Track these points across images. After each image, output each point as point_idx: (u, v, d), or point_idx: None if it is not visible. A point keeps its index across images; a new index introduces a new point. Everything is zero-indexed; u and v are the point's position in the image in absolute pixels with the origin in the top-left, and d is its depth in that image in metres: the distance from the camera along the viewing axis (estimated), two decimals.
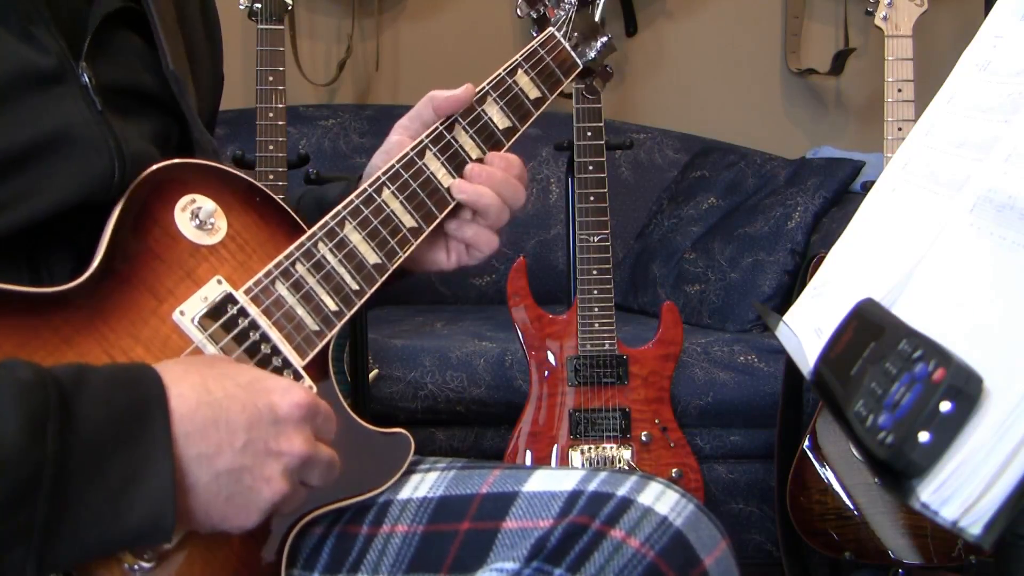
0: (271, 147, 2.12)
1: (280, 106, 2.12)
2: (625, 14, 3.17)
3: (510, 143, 1.03)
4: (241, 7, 2.12)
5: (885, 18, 2.02)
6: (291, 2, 2.15)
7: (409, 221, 0.96)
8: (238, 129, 2.52)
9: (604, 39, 1.11)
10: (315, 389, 0.86)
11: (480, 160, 1.01)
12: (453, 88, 1.01)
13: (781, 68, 3.29)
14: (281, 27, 2.15)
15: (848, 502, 1.96)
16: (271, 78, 2.12)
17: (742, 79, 3.28)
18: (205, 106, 1.00)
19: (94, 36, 0.85)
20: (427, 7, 3.19)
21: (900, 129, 2.00)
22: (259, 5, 2.12)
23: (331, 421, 0.80)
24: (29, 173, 0.79)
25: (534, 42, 1.08)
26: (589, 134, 2.05)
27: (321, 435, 0.79)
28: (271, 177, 2.11)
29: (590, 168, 2.05)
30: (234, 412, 0.73)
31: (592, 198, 2.05)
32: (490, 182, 0.99)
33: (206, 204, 0.85)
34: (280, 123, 2.12)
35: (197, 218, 0.85)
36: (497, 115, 1.02)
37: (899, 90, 2.01)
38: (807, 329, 0.96)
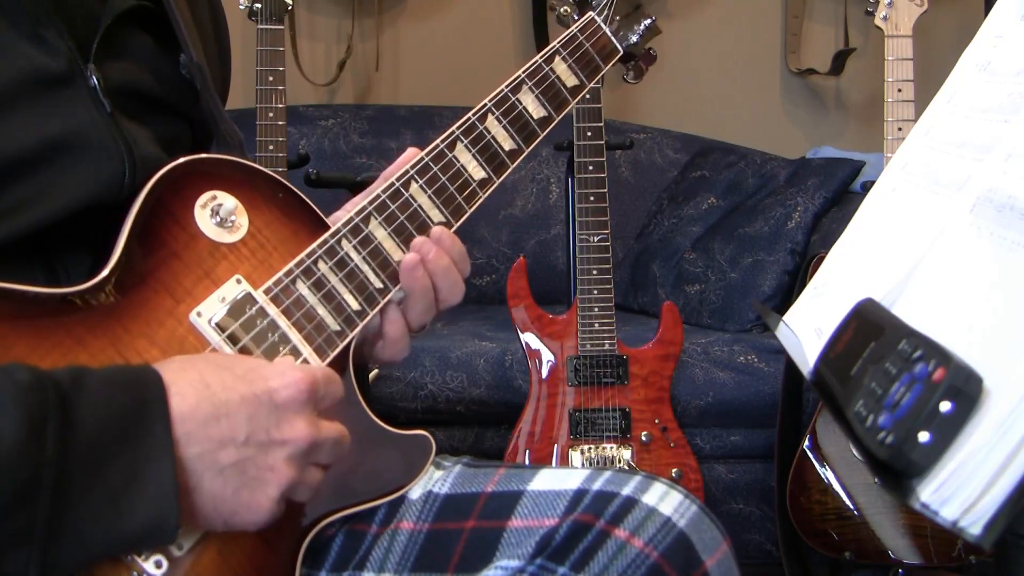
0: (271, 147, 2.12)
1: (280, 106, 2.12)
2: None
3: (544, 133, 1.00)
4: (241, 7, 2.12)
5: (885, 18, 2.02)
6: (291, 2, 2.15)
7: (437, 216, 0.93)
8: (238, 129, 2.52)
9: (647, 21, 1.07)
10: None
11: (514, 151, 0.97)
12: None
13: (781, 68, 3.29)
14: (281, 27, 2.15)
15: (848, 502, 1.96)
16: (271, 78, 2.13)
17: (742, 79, 3.28)
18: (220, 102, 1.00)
19: (103, 37, 0.84)
20: (427, 7, 3.19)
21: (900, 129, 2.00)
22: (259, 5, 2.13)
23: (334, 384, 0.78)
24: (39, 176, 0.78)
25: (573, 27, 1.04)
26: (589, 134, 2.05)
27: (326, 404, 0.77)
28: None
29: (590, 168, 2.05)
30: (233, 405, 0.72)
31: (592, 198, 2.05)
32: (434, 265, 0.90)
33: (227, 201, 0.83)
34: (280, 123, 2.12)
35: (217, 215, 0.82)
36: (532, 104, 0.99)
37: (899, 90, 2.01)
38: (807, 329, 0.96)
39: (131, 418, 0.68)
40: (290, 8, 2.16)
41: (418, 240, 0.92)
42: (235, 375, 0.74)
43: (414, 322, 0.92)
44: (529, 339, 2.07)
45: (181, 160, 0.82)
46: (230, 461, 0.72)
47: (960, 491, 0.60)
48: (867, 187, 2.03)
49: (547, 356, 2.06)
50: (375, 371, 2.21)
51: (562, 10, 1.13)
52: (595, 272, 2.04)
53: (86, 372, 0.69)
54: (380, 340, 0.93)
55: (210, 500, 0.72)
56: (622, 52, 1.07)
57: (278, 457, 0.73)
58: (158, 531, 0.69)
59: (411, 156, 0.95)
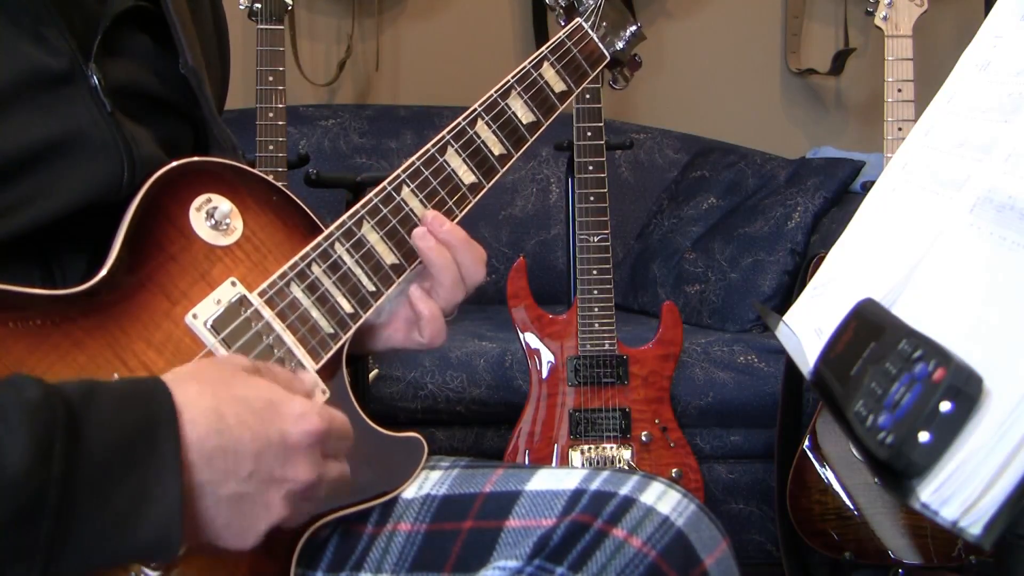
0: (271, 147, 2.12)
1: (280, 106, 2.12)
2: None
3: (534, 138, 1.00)
4: (241, 7, 2.12)
5: (885, 18, 2.02)
6: (291, 2, 2.15)
7: None
8: (238, 129, 2.51)
9: (633, 28, 1.08)
10: (328, 394, 0.85)
11: (503, 156, 0.98)
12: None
13: (781, 68, 3.29)
14: (281, 27, 2.15)
15: (848, 502, 1.96)
16: (271, 78, 2.12)
17: (742, 79, 3.28)
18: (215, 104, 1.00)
19: (104, 36, 0.84)
20: (427, 7, 3.19)
21: (900, 129, 2.00)
22: (259, 5, 2.13)
23: (346, 438, 0.78)
24: (39, 175, 0.78)
25: (561, 33, 1.05)
26: (589, 134, 2.05)
27: (333, 452, 0.77)
28: (271, 177, 2.11)
29: (590, 168, 2.05)
30: (244, 441, 0.71)
31: (592, 198, 2.05)
32: (452, 239, 0.93)
33: (222, 204, 0.84)
34: (280, 123, 2.12)
35: (212, 218, 0.83)
36: (521, 109, 1.00)
37: (899, 90, 2.01)
38: (807, 329, 0.96)
39: (141, 438, 0.68)
40: (290, 8, 2.16)
41: (429, 213, 0.93)
42: (251, 409, 0.73)
43: (444, 301, 0.93)
44: (529, 339, 2.07)
45: (176, 163, 0.83)
46: (229, 494, 0.71)
47: (960, 491, 0.60)
48: (867, 187, 2.03)
49: (547, 356, 2.06)
50: (375, 371, 2.21)
51: (560, 10, 1.14)
52: (595, 272, 2.04)
53: (97, 387, 0.68)
54: (416, 323, 0.94)
55: (202, 525, 0.71)
56: (609, 58, 1.08)
57: (275, 494, 0.73)
58: (160, 550, 0.68)
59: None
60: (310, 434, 0.74)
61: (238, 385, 0.74)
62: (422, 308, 0.92)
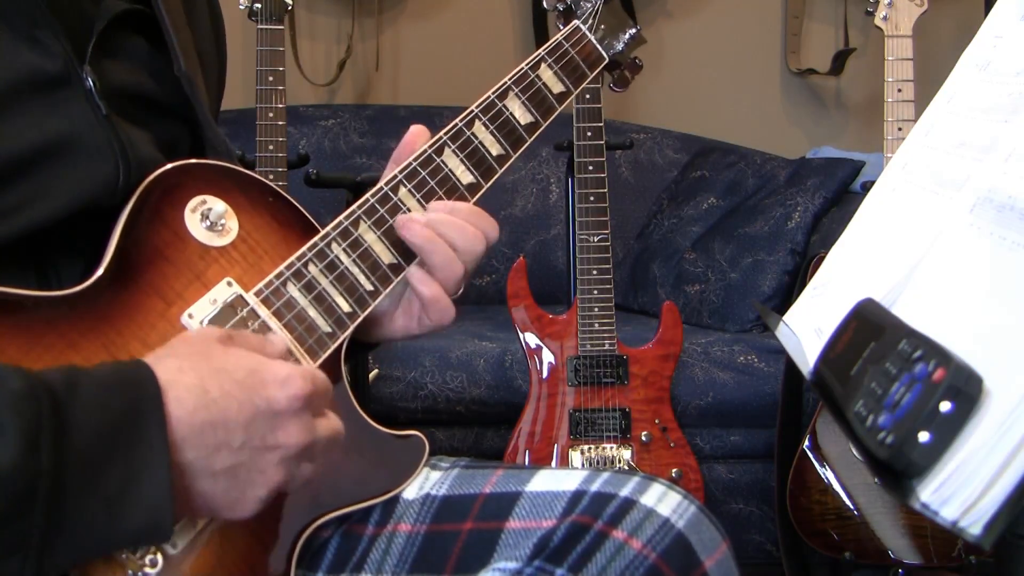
0: (271, 147, 2.12)
1: (280, 106, 2.12)
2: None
3: (532, 139, 1.00)
4: (241, 7, 2.12)
5: (885, 18, 2.02)
6: (291, 2, 2.15)
7: None
8: (238, 129, 2.52)
9: (632, 31, 1.08)
10: None
11: (501, 156, 0.98)
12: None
13: (781, 68, 3.29)
14: (281, 27, 2.15)
15: (848, 502, 1.96)
16: (271, 78, 2.13)
17: (742, 79, 3.28)
18: (211, 106, 1.00)
19: (99, 39, 0.84)
20: (427, 7, 3.19)
21: (900, 129, 2.00)
22: (259, 5, 2.13)
23: (329, 394, 0.78)
24: (34, 178, 0.78)
25: (559, 35, 1.05)
26: (589, 134, 2.05)
27: (319, 410, 0.77)
28: (271, 177, 2.11)
29: (590, 168, 2.05)
30: (232, 412, 0.72)
31: (592, 198, 2.05)
32: (429, 218, 0.92)
33: (216, 205, 0.84)
34: (280, 123, 2.12)
35: (207, 219, 0.83)
36: (519, 110, 0.99)
37: (899, 90, 2.01)
38: (807, 329, 0.96)
39: (126, 422, 0.68)
40: (290, 8, 2.16)
41: (403, 216, 0.93)
42: (234, 379, 0.73)
43: (444, 279, 0.91)
44: (529, 339, 2.07)
45: (170, 165, 0.83)
46: (223, 466, 0.71)
47: (960, 491, 0.60)
48: (867, 187, 2.03)
49: (547, 356, 2.06)
50: (375, 371, 2.21)
51: (558, 13, 1.15)
52: (595, 272, 2.04)
53: (80, 374, 0.68)
54: (421, 308, 0.93)
55: (199, 499, 0.72)
56: (608, 60, 1.08)
57: (270, 461, 0.73)
58: (153, 533, 0.69)
59: (417, 133, 0.96)
60: (297, 398, 0.74)
61: (216, 358, 0.74)
62: (423, 290, 0.91)
